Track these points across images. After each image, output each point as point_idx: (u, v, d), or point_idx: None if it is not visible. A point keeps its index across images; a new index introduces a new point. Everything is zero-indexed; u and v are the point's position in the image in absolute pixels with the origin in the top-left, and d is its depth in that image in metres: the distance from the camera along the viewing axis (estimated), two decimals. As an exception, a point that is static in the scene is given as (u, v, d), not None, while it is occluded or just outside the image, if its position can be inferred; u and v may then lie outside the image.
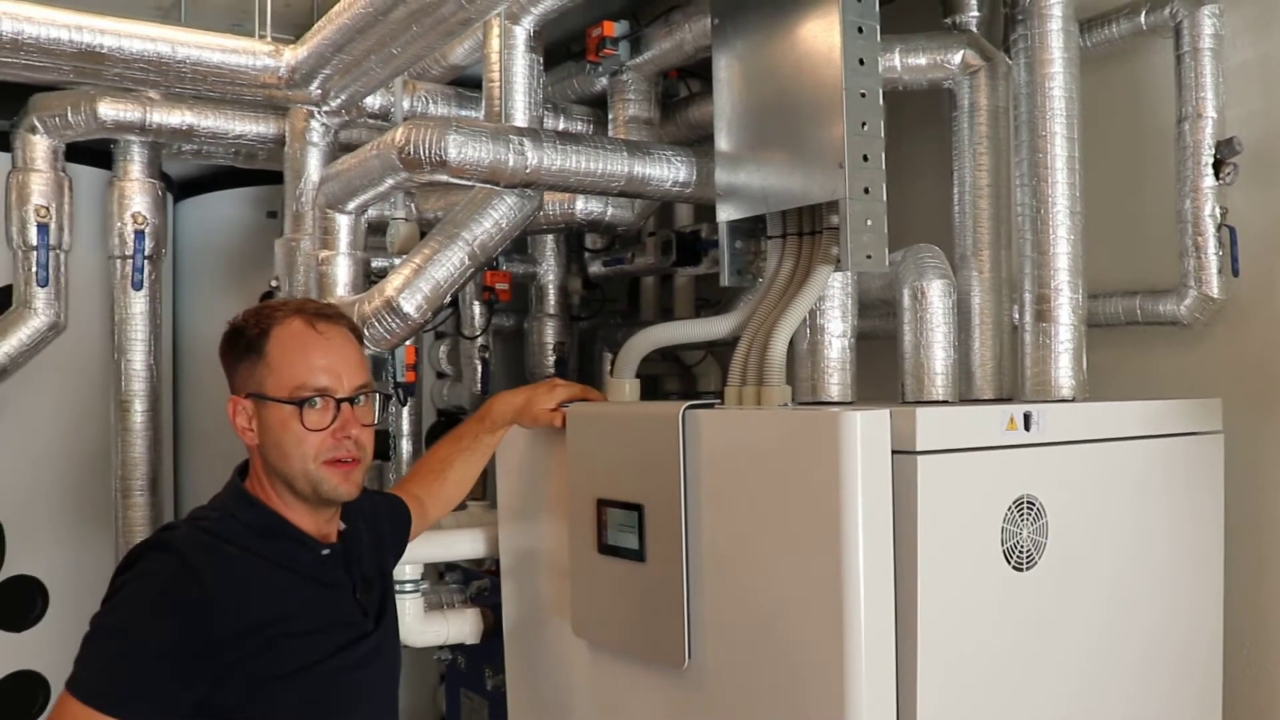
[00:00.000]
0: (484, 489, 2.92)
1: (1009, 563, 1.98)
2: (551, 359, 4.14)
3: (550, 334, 4.14)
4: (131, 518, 3.60)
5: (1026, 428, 2.03)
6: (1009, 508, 1.98)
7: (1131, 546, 2.23)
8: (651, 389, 3.53)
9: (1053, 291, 2.54)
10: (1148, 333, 2.89)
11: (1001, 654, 1.99)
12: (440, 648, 3.04)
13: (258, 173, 3.99)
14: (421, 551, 2.65)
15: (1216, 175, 2.71)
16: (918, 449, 1.85)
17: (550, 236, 4.06)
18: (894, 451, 1.87)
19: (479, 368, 4.01)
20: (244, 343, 1.83)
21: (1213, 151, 2.71)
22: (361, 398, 1.85)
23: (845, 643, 1.79)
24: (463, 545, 2.82)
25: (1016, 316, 2.67)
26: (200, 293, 4.30)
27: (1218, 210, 2.72)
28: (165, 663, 1.64)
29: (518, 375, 4.24)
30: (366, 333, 2.70)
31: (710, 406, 2.11)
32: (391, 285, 2.69)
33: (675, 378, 4.31)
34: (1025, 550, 2.00)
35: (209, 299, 4.21)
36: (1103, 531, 2.16)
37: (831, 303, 2.52)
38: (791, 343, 2.42)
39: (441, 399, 4.51)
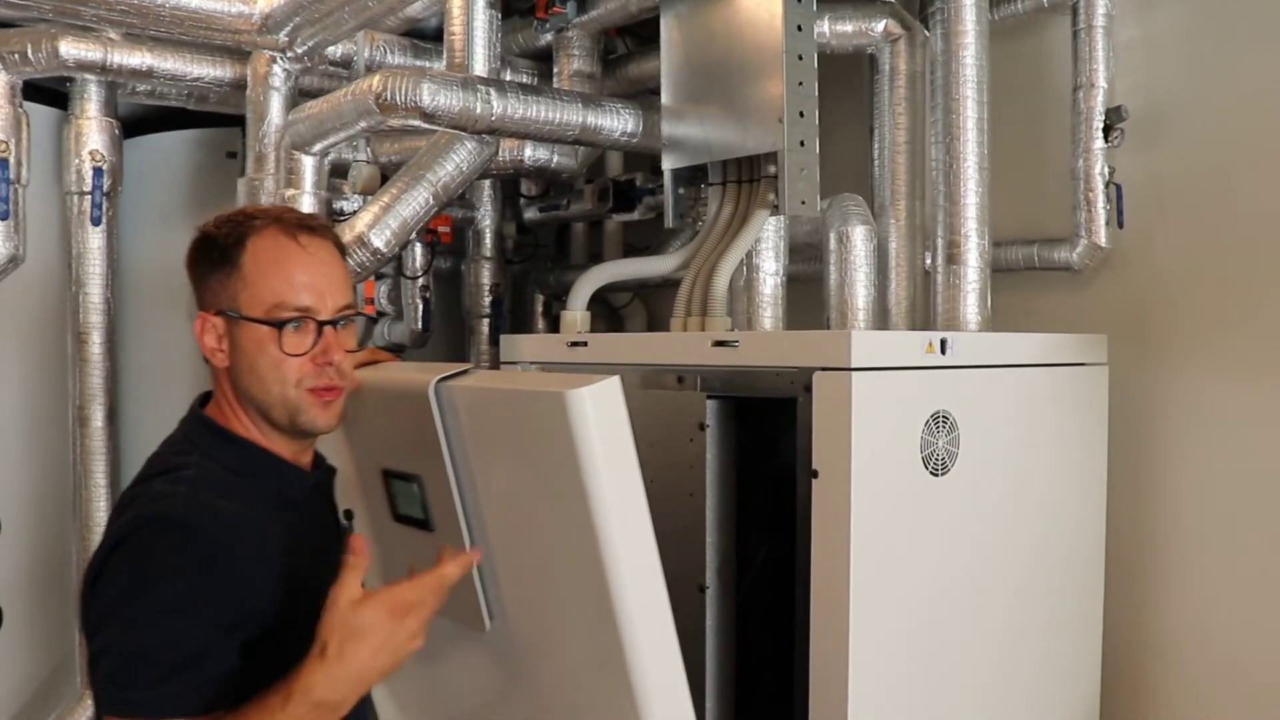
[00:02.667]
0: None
1: (927, 468, 2.24)
2: (488, 299, 4.29)
3: (487, 276, 4.28)
4: (89, 446, 3.65)
5: (942, 352, 2.28)
6: (927, 420, 2.23)
7: (1028, 458, 2.50)
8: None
9: (962, 238, 2.74)
10: (1043, 276, 3.09)
11: (921, 546, 2.26)
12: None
13: (190, 115, 3.97)
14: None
15: (1106, 138, 2.93)
16: (852, 366, 2.09)
17: (487, 182, 4.18)
18: (831, 369, 2.12)
19: (420, 306, 4.14)
20: (216, 253, 1.60)
21: (1103, 117, 2.93)
22: (343, 320, 1.65)
23: (612, 598, 1.59)
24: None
25: (929, 260, 2.88)
26: (137, 230, 4.33)
27: (1106, 169, 2.93)
28: (208, 635, 1.44)
29: (456, 315, 4.38)
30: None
31: (464, 374, 1.81)
32: (362, 221, 2.86)
33: (603, 319, 4.46)
34: (940, 459, 2.26)
35: (146, 236, 4.24)
36: (1004, 445, 2.43)
37: (766, 244, 2.77)
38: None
39: (383, 337, 4.67)
